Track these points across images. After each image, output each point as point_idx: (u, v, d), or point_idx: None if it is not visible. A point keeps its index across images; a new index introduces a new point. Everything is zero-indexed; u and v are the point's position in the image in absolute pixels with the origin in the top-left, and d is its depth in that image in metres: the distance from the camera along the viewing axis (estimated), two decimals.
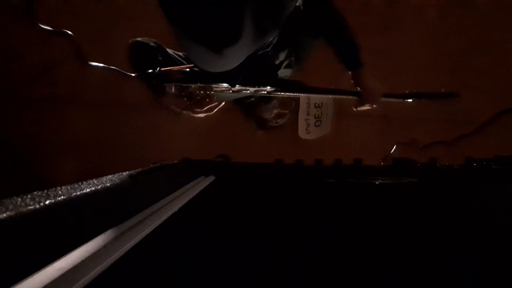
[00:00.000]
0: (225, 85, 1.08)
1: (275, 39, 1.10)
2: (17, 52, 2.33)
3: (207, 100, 1.13)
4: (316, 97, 1.96)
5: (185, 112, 1.14)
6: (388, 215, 0.81)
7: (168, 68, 1.09)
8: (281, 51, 1.16)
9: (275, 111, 1.39)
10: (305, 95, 1.24)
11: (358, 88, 1.19)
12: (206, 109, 1.19)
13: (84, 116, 2.35)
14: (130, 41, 1.18)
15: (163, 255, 0.53)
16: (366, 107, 1.23)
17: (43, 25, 2.28)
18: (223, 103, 1.26)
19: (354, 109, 1.25)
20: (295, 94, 1.25)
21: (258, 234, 0.64)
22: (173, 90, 1.05)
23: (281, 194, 1.02)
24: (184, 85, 1.06)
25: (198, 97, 1.09)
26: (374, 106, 1.23)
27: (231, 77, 1.09)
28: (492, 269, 0.52)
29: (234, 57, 1.01)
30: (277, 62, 1.19)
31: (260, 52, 1.08)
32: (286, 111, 1.46)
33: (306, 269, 0.50)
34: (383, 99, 1.24)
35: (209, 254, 0.54)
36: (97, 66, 2.32)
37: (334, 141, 2.23)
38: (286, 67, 1.22)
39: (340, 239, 0.63)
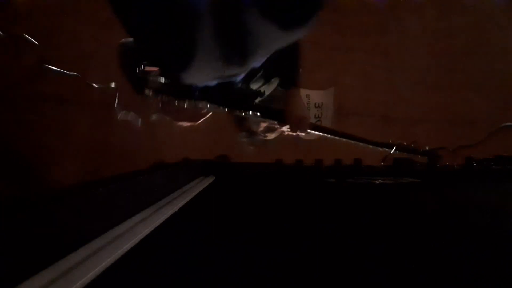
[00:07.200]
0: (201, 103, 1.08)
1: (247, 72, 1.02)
2: (17, 52, 2.33)
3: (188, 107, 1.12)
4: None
5: (155, 115, 1.15)
6: (388, 215, 0.81)
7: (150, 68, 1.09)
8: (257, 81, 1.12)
9: (263, 124, 1.35)
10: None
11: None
12: (189, 117, 1.17)
13: (84, 116, 2.35)
14: (121, 40, 1.18)
15: (163, 255, 0.53)
16: (297, 132, 1.19)
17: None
18: (210, 113, 1.22)
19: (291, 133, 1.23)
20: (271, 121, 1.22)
21: (258, 234, 0.64)
22: (151, 94, 1.07)
23: (281, 194, 1.02)
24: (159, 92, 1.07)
25: (174, 104, 1.09)
26: (302, 133, 1.20)
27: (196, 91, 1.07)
28: (492, 269, 0.52)
29: (196, 78, 0.98)
30: (253, 88, 1.15)
31: (230, 79, 1.04)
32: (276, 126, 1.44)
33: (306, 269, 0.50)
34: (312, 132, 1.21)
35: (209, 254, 0.54)
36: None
37: (334, 141, 2.23)
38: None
39: (340, 239, 0.63)
